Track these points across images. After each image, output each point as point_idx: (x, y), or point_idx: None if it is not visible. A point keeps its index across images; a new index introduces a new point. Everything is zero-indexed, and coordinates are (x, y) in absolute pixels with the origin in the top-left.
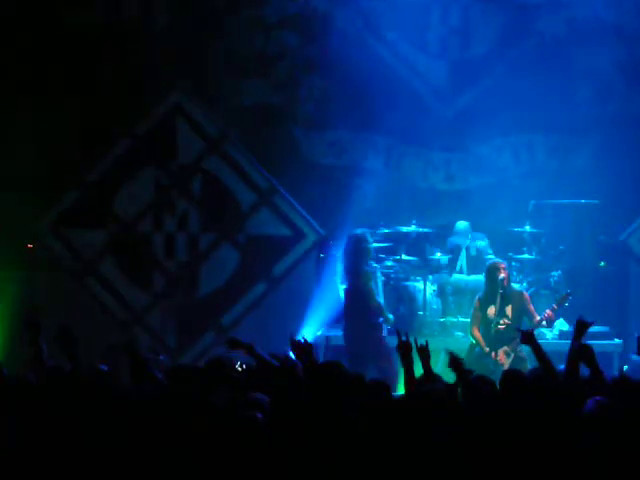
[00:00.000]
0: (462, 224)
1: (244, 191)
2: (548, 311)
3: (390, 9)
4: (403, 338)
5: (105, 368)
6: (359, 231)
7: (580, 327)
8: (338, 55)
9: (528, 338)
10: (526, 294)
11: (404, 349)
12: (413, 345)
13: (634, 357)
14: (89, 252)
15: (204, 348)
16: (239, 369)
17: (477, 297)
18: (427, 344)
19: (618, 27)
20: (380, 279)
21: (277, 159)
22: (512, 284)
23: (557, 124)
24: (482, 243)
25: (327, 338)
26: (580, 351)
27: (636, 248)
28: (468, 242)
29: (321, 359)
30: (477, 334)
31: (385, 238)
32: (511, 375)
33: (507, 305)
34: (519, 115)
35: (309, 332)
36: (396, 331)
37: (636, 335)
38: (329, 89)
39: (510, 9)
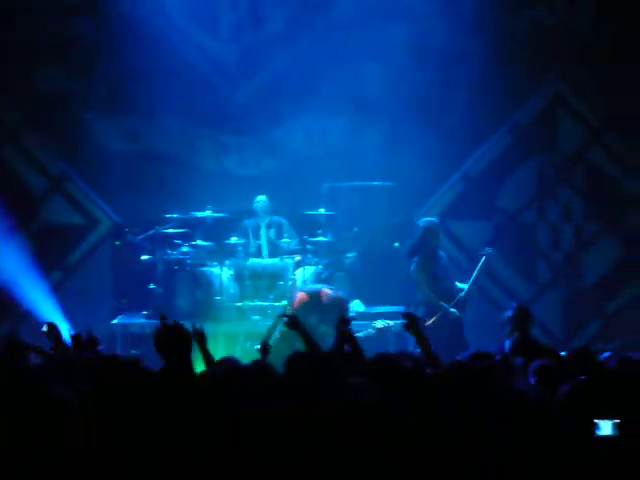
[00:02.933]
0: (261, 197)
1: (35, 179)
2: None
3: None
4: (198, 327)
5: None
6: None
7: (408, 319)
8: (131, 40)
9: (293, 323)
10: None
11: (198, 337)
12: (191, 330)
13: None
14: None
15: None
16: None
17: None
18: (202, 328)
19: (408, 8)
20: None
21: (70, 145)
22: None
23: (350, 106)
24: (283, 222)
25: (124, 326)
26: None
27: None
28: (267, 219)
29: (119, 347)
30: None
31: (180, 224)
32: (296, 357)
33: None
34: (312, 97)
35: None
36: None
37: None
38: (122, 74)
39: None
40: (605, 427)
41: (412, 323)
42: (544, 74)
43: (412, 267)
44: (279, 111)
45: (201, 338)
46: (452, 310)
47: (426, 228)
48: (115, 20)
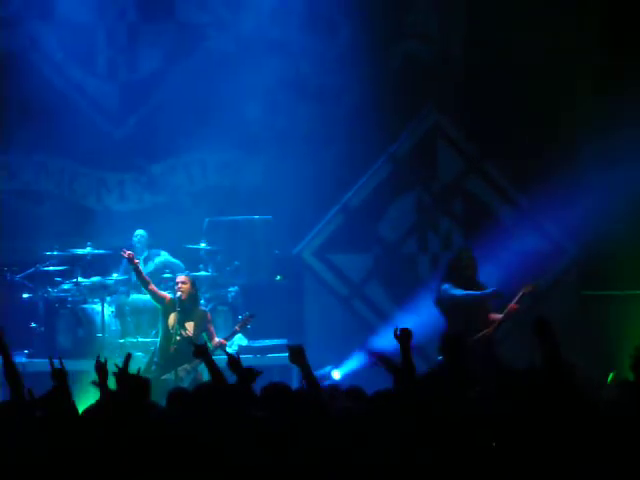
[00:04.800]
0: (139, 232)
1: None
2: (222, 340)
3: (57, 31)
4: (57, 365)
5: None
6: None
7: (293, 351)
8: (5, 77)
9: (201, 352)
10: (209, 315)
11: (58, 376)
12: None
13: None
14: None
15: None
16: None
17: (172, 296)
18: (106, 362)
19: (283, 44)
20: None
21: None
22: (200, 302)
23: (228, 141)
24: (163, 258)
25: None
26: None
27: (309, 261)
28: (146, 253)
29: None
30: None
31: (61, 261)
32: (176, 393)
33: (188, 321)
34: (191, 133)
35: None
36: (49, 359)
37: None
38: None
39: (176, 28)
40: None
41: (298, 355)
42: (421, 105)
43: (442, 294)
44: (159, 147)
45: (103, 372)
46: None
47: (452, 257)
48: None
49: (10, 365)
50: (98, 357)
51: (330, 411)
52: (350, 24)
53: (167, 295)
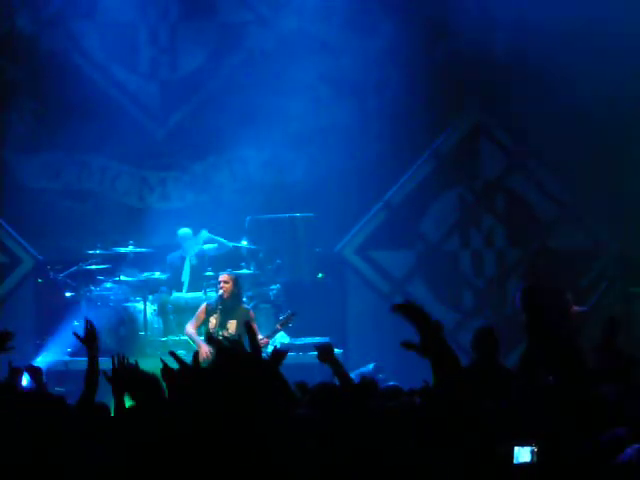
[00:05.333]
0: (185, 230)
1: None
2: (264, 339)
3: (98, 30)
4: (117, 365)
5: None
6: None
7: (321, 350)
8: (47, 77)
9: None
10: (252, 312)
11: (117, 377)
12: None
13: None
14: None
15: None
16: None
17: (207, 302)
18: (137, 364)
19: (324, 40)
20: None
21: None
22: (243, 300)
23: (270, 139)
24: (209, 247)
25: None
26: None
27: (351, 258)
28: (193, 251)
29: None
30: (191, 330)
31: (103, 260)
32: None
33: (230, 320)
34: (232, 131)
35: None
36: (112, 357)
37: None
38: (40, 111)
39: (218, 27)
40: (523, 454)
41: (326, 354)
42: (465, 101)
43: (518, 294)
44: (201, 145)
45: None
46: None
47: (536, 252)
48: (34, 56)
49: (93, 367)
50: (119, 356)
51: (367, 408)
52: (392, 20)
53: (201, 310)
